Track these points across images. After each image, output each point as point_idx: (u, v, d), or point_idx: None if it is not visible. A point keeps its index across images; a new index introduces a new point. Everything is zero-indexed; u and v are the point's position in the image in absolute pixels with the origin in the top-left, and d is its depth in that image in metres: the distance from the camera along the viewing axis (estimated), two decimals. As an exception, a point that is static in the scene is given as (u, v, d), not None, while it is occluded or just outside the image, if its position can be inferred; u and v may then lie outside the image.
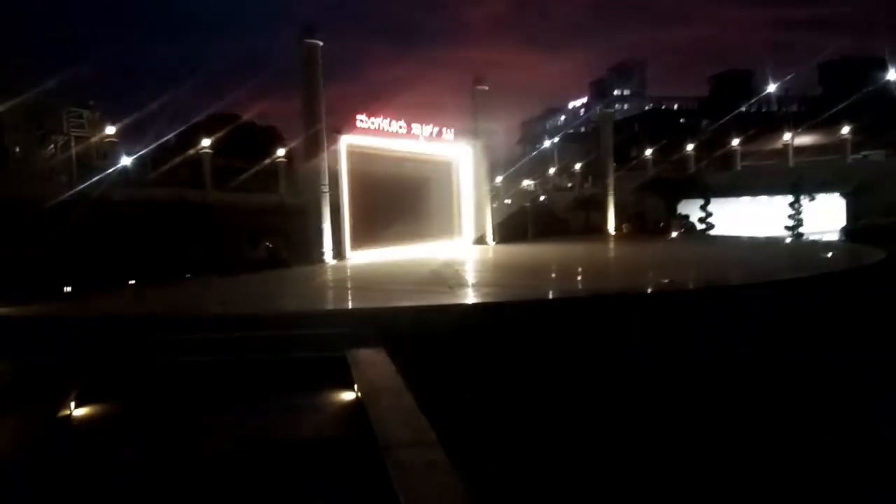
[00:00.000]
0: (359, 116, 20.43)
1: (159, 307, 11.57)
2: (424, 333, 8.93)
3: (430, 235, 23.53)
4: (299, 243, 19.82)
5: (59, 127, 29.32)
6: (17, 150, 27.12)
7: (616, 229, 33.12)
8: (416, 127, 22.31)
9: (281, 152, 31.75)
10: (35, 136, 29.86)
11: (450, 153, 24.70)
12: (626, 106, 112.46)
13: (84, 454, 6.09)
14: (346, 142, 20.04)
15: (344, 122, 20.31)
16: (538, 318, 10.12)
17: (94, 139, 28.54)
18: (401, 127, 21.67)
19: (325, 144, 19.41)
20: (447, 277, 14.59)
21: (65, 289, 14.28)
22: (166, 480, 5.49)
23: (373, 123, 20.69)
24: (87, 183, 21.09)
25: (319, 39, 19.17)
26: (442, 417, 5.72)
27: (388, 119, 21.21)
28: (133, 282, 15.79)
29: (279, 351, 8.61)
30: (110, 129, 29.54)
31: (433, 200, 24.14)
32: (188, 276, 16.90)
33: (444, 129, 23.39)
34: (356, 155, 20.36)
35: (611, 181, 33.42)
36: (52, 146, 28.01)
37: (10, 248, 13.78)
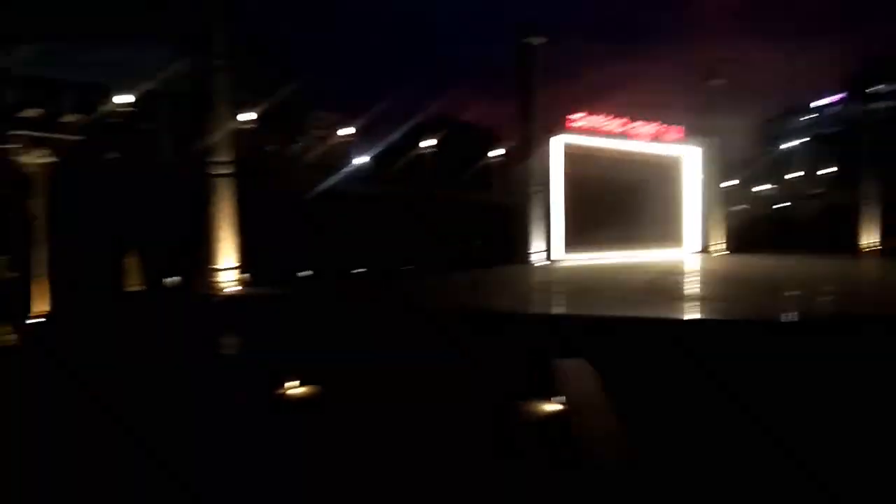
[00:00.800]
0: (572, 116, 19.84)
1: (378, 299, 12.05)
2: (638, 348, 8.14)
3: (648, 241, 22.14)
4: (509, 243, 19.77)
5: (305, 129, 32.55)
6: (274, 149, 30.65)
7: (874, 244, 28.54)
8: (636, 126, 21.12)
9: (495, 153, 32.16)
10: (287, 135, 33.60)
11: (674, 153, 23.04)
12: (887, 104, 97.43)
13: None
14: (558, 141, 19.58)
15: (556, 122, 19.88)
16: (778, 341, 8.76)
17: (332, 140, 31.19)
18: (619, 126, 20.65)
19: (538, 144, 19.11)
20: (667, 287, 13.45)
21: (299, 274, 15.73)
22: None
23: (588, 122, 19.97)
24: (327, 180, 23.03)
25: (538, 39, 18.91)
26: (647, 441, 5.09)
27: (606, 118, 20.33)
28: (360, 271, 16.91)
29: (484, 351, 8.43)
30: (347, 131, 32.14)
31: (652, 203, 22.69)
32: (409, 268, 17.67)
33: (668, 128, 21.85)
34: (569, 155, 19.81)
35: (869, 190, 28.89)
36: (302, 145, 31.23)
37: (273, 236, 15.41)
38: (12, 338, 9.85)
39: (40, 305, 11.44)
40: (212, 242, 11.99)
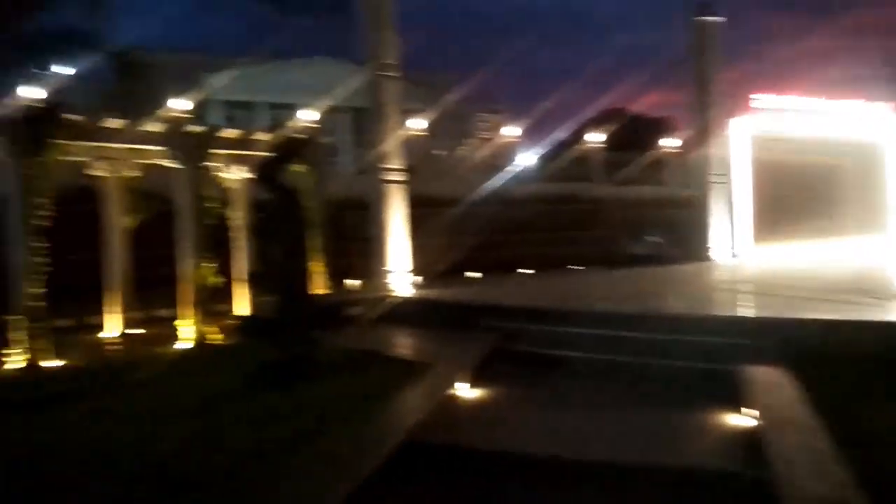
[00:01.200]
0: (753, 96, 18.18)
1: (542, 297, 11.92)
2: (844, 356, 7.22)
3: (847, 232, 19.74)
4: (687, 238, 18.61)
5: (472, 131, 33.17)
6: (441, 153, 31.65)
7: None
8: (828, 104, 18.90)
9: (670, 142, 30.50)
10: (454, 140, 34.50)
11: (876, 134, 20.30)
12: None
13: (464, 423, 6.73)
14: (741, 126, 18.04)
15: (738, 106, 18.34)
16: None
17: (498, 140, 31.44)
18: (811, 105, 18.61)
19: (718, 131, 17.78)
20: (875, 286, 11.86)
21: (469, 274, 16.06)
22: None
23: (774, 103, 18.18)
24: (492, 182, 23.29)
25: (715, 18, 17.58)
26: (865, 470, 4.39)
27: (793, 97, 18.41)
28: (527, 271, 16.87)
29: (656, 356, 7.98)
30: (512, 130, 32.26)
31: (850, 190, 20.19)
32: (576, 267, 17.31)
33: (871, 106, 19.32)
34: (753, 140, 18.19)
35: None
36: (466, 148, 31.95)
37: (437, 238, 15.94)
38: (220, 336, 11.02)
39: (241, 307, 12.71)
40: (384, 246, 12.55)
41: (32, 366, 9.25)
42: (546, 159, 29.94)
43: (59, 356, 9.67)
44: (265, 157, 9.24)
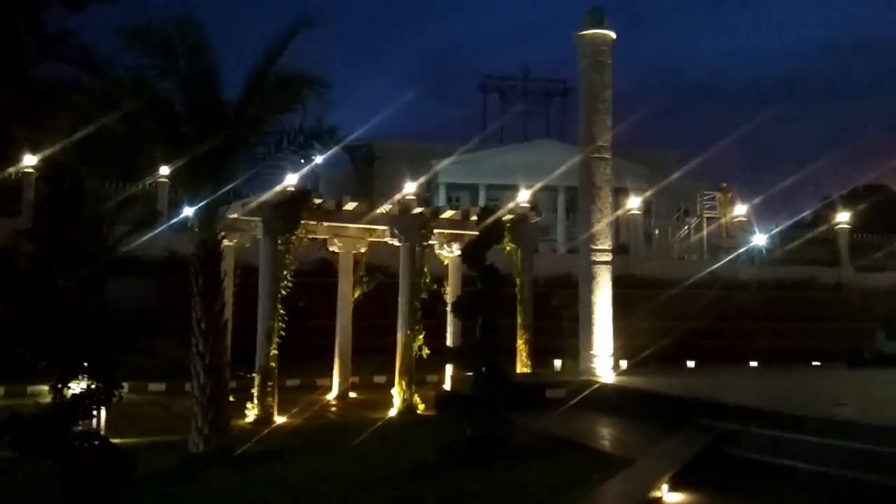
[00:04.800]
0: None
1: (766, 396, 10.57)
2: None
3: None
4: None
5: (693, 209, 31.54)
6: (657, 232, 30.44)
7: None
8: None
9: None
10: (673, 219, 33.04)
11: None
12: None
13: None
14: None
15: None
16: None
17: (723, 219, 29.49)
18: None
19: None
20: None
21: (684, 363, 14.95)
22: None
23: None
24: (717, 263, 21.81)
25: None
26: None
27: None
28: (750, 364, 15.28)
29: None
30: (740, 209, 30.05)
31: None
32: (810, 363, 15.30)
33: None
34: None
35: None
36: (686, 227, 30.36)
37: (647, 321, 15.23)
38: (423, 406, 11.42)
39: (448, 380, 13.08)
40: (590, 327, 12.19)
41: (260, 420, 10.31)
42: (780, 240, 27.29)
43: (282, 413, 10.68)
44: (472, 238, 9.61)
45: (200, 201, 8.33)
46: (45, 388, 12.32)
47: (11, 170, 19.97)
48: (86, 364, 4.85)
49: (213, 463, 7.65)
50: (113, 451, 5.37)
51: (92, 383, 4.94)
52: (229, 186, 8.71)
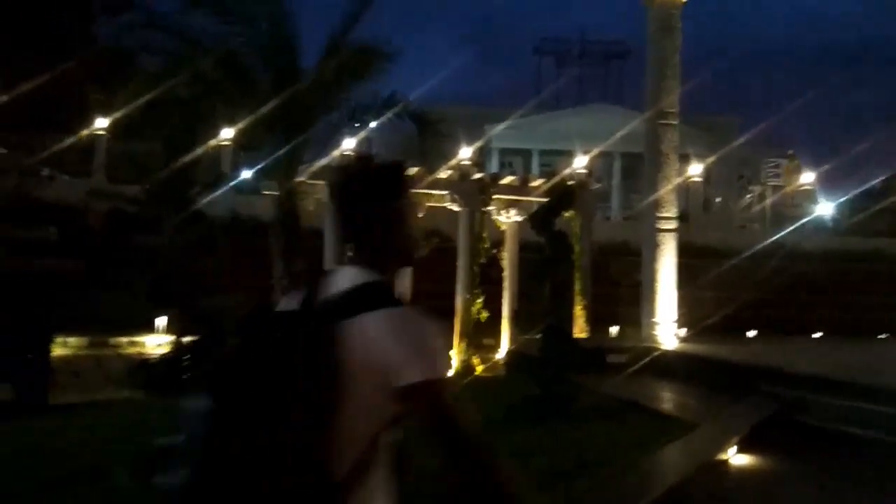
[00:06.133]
0: None
1: (833, 366, 10.44)
2: None
3: None
4: None
5: (757, 177, 30.69)
6: (718, 199, 29.78)
7: None
8: None
9: None
10: (734, 187, 32.22)
11: None
12: None
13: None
14: None
15: None
16: None
17: (788, 188, 28.65)
18: None
19: None
20: None
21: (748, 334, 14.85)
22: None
23: None
24: (780, 232, 21.29)
25: None
26: None
27: None
28: (814, 335, 15.05)
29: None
30: (806, 177, 29.13)
31: None
32: (876, 336, 14.96)
33: None
34: None
35: None
36: (749, 196, 29.63)
37: (710, 291, 15.12)
38: (481, 368, 11.70)
39: (505, 342, 13.34)
40: (653, 295, 12.20)
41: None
42: (848, 210, 26.41)
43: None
44: (541, 205, 9.70)
45: (278, 165, 8.63)
46: (124, 339, 13.22)
47: (85, 132, 20.87)
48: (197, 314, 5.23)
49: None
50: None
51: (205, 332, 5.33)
52: (305, 151, 8.99)
